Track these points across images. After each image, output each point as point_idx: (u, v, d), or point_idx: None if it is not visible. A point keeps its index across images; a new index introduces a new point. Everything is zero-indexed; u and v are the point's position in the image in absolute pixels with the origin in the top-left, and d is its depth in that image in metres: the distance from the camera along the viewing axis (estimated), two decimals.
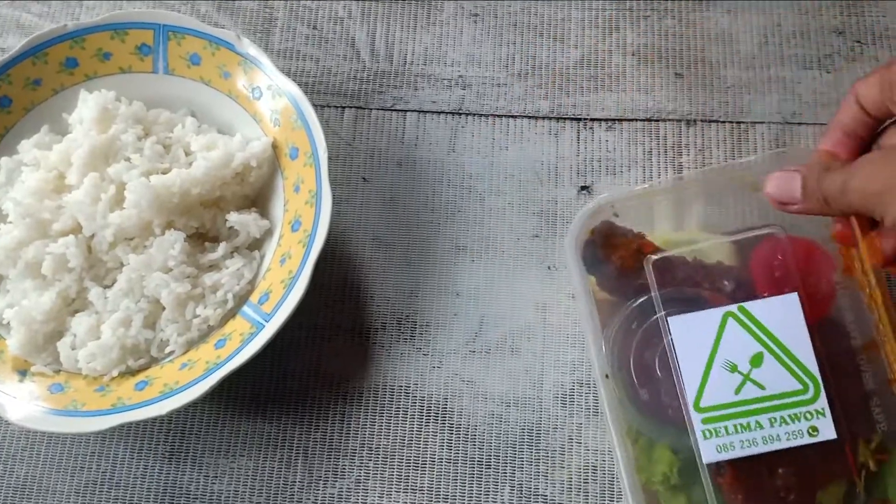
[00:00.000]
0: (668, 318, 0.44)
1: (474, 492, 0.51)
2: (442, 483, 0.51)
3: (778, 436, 0.42)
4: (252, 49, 0.55)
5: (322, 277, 0.56)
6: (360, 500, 0.51)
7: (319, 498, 0.51)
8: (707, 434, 0.43)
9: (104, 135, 0.54)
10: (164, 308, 0.52)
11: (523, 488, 0.51)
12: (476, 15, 0.63)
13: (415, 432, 0.52)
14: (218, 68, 0.56)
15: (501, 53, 0.62)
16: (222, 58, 0.56)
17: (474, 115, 0.60)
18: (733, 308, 0.44)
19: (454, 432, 0.52)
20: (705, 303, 0.45)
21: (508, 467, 0.51)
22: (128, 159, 0.54)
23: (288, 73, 0.56)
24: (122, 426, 0.48)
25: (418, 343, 0.54)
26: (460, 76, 0.61)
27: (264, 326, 0.49)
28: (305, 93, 0.54)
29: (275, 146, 0.55)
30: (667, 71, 0.60)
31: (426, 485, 0.51)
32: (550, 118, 0.59)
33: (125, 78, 0.58)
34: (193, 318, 0.52)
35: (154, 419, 0.50)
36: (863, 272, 0.43)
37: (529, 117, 0.60)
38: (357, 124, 0.60)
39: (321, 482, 0.52)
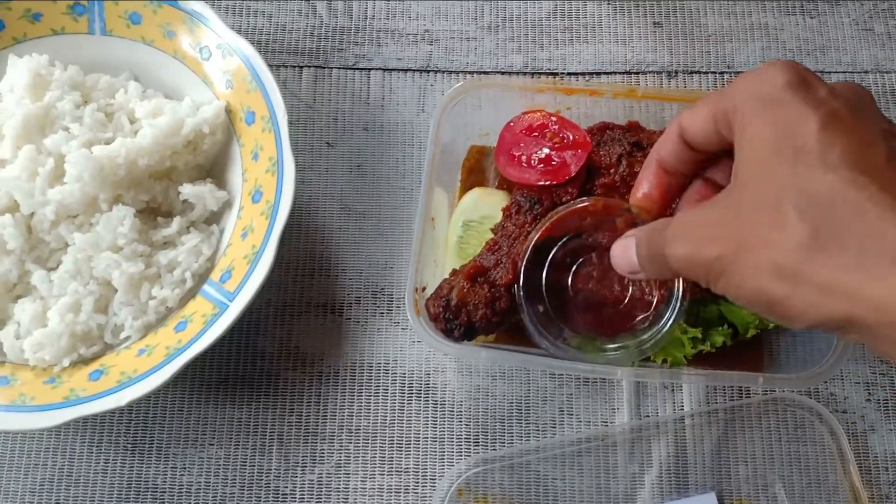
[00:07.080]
0: None
1: None
2: (428, 463, 0.49)
3: None
4: (197, 5, 0.50)
5: (289, 250, 0.52)
6: (341, 486, 0.48)
7: (298, 485, 0.48)
8: None
9: (38, 103, 0.49)
10: (116, 290, 0.48)
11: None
12: None
13: (396, 411, 0.50)
14: (161, 27, 0.51)
15: (469, 5, 0.58)
16: (165, 15, 0.51)
17: (443, 71, 0.56)
18: None
19: (438, 409, 0.50)
20: None
21: (497, 444, 0.49)
22: (66, 129, 0.49)
23: (238, 31, 0.51)
24: (77, 420, 0.44)
25: (396, 317, 0.51)
26: (426, 31, 0.57)
27: (228, 306, 0.46)
28: (259, 52, 0.49)
29: (228, 111, 0.51)
30: (645, 20, 0.57)
31: (411, 465, 0.49)
32: (524, 73, 0.56)
33: (58, 40, 0.52)
34: (149, 299, 0.48)
35: (112, 410, 0.47)
36: None
37: (503, 72, 0.56)
38: (317, 85, 0.56)
39: (299, 468, 0.49)
